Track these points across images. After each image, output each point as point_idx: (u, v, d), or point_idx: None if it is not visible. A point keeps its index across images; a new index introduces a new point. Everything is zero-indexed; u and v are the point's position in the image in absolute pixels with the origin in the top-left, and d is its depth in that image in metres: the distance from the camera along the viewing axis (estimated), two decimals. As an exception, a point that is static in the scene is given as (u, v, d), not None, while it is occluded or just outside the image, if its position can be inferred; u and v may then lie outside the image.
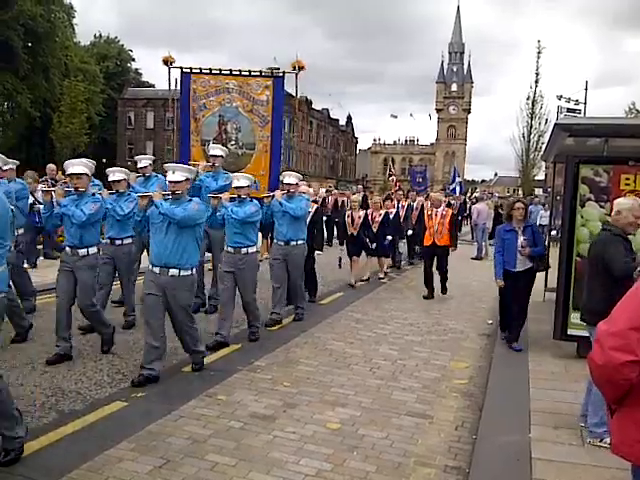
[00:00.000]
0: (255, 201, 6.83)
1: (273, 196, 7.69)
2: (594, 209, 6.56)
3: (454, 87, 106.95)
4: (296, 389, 5.46)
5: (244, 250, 6.75)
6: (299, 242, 7.91)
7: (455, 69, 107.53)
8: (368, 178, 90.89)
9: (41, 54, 43.22)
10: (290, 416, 4.82)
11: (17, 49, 40.45)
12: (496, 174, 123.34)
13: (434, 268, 10.81)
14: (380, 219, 11.82)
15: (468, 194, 33.24)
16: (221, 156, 8.06)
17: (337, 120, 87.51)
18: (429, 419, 4.93)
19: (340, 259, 12.19)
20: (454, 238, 11.03)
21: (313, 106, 77.03)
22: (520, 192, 49.74)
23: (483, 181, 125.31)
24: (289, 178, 7.89)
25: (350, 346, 7.04)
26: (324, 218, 15.24)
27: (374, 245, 11.78)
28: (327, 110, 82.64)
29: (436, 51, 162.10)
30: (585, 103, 34.45)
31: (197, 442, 4.25)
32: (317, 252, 9.56)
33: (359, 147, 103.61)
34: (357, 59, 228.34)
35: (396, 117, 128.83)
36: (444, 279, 10.93)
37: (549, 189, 21.30)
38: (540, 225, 21.72)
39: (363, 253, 11.98)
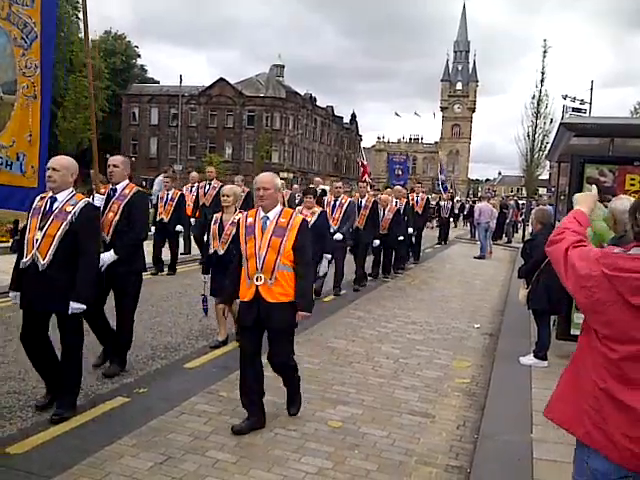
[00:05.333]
0: None
1: None
2: (598, 209, 6.53)
3: (459, 86, 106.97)
4: (298, 386, 5.43)
5: None
6: None
7: (460, 68, 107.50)
8: (372, 176, 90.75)
9: (46, 48, 43.24)
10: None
11: (22, 44, 40.45)
12: (500, 173, 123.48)
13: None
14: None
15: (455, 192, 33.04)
16: None
17: (341, 118, 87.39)
18: (431, 418, 4.93)
19: (205, 299, 6.74)
20: (312, 291, 4.86)
21: (317, 103, 76.97)
22: (524, 191, 49.72)
23: (487, 180, 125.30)
24: None
25: (352, 344, 7.03)
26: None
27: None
28: (331, 107, 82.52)
29: (445, 50, 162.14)
30: (590, 103, 34.47)
31: (198, 439, 4.24)
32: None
33: (363, 145, 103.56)
34: (368, 57, 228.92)
35: (400, 116, 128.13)
36: (291, 394, 4.80)
37: (553, 189, 21.21)
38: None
39: None
